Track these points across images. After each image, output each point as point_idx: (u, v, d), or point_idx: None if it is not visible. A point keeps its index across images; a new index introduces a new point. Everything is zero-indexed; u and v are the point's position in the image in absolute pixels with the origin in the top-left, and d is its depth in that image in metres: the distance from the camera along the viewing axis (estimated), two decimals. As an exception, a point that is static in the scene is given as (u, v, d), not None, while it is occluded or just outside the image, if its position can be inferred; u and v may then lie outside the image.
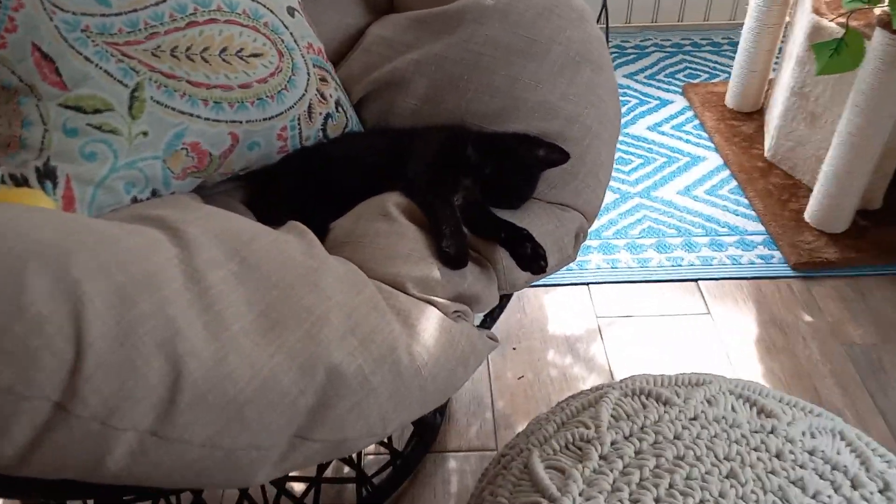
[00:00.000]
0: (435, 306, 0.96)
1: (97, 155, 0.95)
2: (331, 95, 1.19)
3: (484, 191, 1.07)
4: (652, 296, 1.85)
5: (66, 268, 0.71)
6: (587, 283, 1.89)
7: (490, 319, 1.15)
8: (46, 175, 0.92)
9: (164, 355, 0.73)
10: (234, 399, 0.75)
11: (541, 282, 1.86)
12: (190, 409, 0.73)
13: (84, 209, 0.94)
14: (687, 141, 2.33)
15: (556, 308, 1.82)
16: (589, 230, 1.19)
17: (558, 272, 1.86)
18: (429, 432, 1.49)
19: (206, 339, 0.76)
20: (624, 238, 1.98)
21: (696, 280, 1.89)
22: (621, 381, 1.02)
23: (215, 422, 0.74)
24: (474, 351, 0.97)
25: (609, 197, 2.12)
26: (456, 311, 0.98)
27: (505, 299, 1.15)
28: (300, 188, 1.13)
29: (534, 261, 0.99)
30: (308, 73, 1.15)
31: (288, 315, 0.82)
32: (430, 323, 0.92)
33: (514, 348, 1.72)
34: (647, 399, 0.97)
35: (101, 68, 0.94)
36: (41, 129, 0.93)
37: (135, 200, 0.99)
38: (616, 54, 2.79)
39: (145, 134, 0.98)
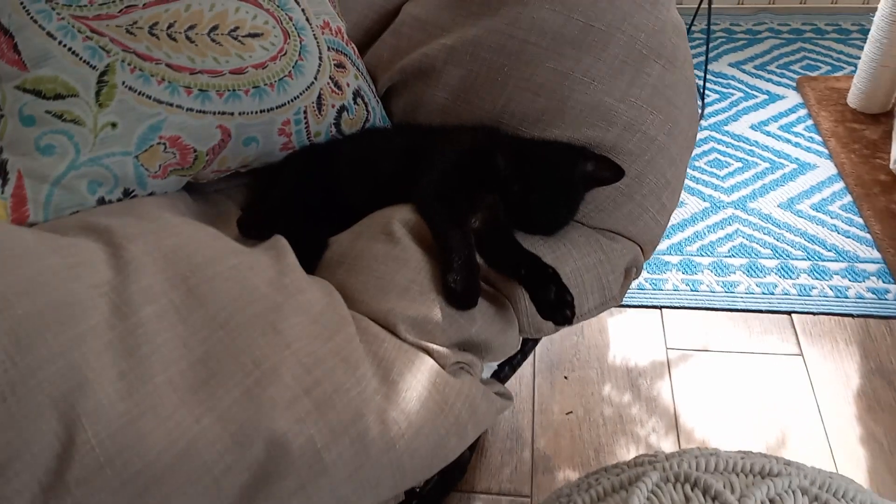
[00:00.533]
0: (430, 355, 0.78)
1: (55, 148, 0.82)
2: (348, 85, 1.02)
3: (511, 211, 0.88)
4: (735, 328, 1.59)
5: (-54, 298, 0.58)
6: (660, 307, 1.65)
7: (509, 368, 0.96)
8: (-3, 168, 0.81)
9: (58, 415, 0.59)
10: (140, 473, 0.60)
11: (605, 300, 1.65)
12: (81, 485, 0.59)
13: (38, 211, 0.82)
14: (796, 144, 2.03)
15: (620, 333, 1.60)
16: (643, 264, 0.97)
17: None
18: (455, 469, 1.32)
19: (117, 394, 0.61)
20: (709, 255, 1.73)
21: (789, 313, 1.62)
22: (667, 456, 0.82)
23: (110, 501, 0.60)
24: (474, 416, 0.79)
25: (696, 205, 1.86)
26: (458, 363, 0.80)
27: (530, 344, 0.96)
28: (303, 192, 0.97)
29: (557, 309, 0.79)
30: (320, 58, 0.99)
31: (230, 365, 0.67)
32: (418, 378, 0.75)
33: (565, 377, 1.52)
34: (691, 490, 0.76)
35: (65, 46, 0.82)
36: (-6, 116, 0.81)
37: (102, 202, 0.86)
38: (723, 39, 2.49)
39: (114, 125, 0.84)
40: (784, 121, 2.12)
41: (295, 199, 0.97)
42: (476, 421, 0.79)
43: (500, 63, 0.98)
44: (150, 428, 0.61)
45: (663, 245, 1.76)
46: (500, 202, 0.88)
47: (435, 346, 0.79)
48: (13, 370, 0.58)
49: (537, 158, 0.90)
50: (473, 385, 0.81)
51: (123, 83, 0.84)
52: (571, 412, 1.46)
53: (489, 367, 0.90)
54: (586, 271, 0.88)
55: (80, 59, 0.82)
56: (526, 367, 1.55)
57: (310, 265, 0.88)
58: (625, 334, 1.60)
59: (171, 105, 0.87)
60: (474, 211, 0.87)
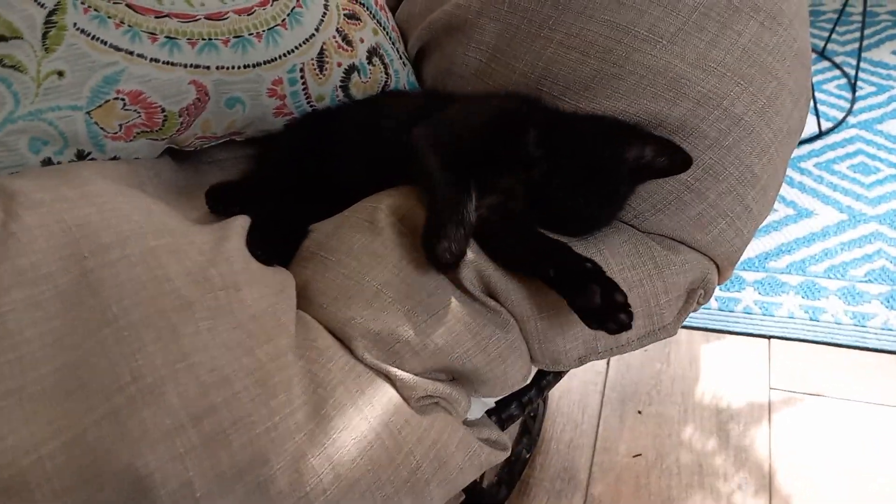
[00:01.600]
0: (391, 383, 0.60)
1: (-9, 97, 0.71)
2: (362, 41, 0.85)
3: (534, 203, 0.68)
4: (862, 370, 1.29)
5: None
6: (769, 336, 1.37)
7: (516, 406, 0.75)
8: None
9: None
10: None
11: (701, 321, 1.38)
12: None
13: (-31, 169, 0.71)
14: (972, 148, 1.65)
15: (714, 363, 1.34)
16: (718, 286, 0.74)
17: (733, 310, 1.39)
18: (486, 506, 1.13)
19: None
20: (839, 279, 1.42)
21: (938, 358, 1.29)
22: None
23: None
24: (441, 470, 0.59)
25: (830, 216, 1.55)
26: (430, 396, 0.61)
27: (549, 378, 0.75)
28: (294, 166, 0.82)
29: (607, 315, 0.58)
30: (326, 6, 0.82)
31: (103, 376, 0.52)
32: (365, 414, 0.57)
33: (639, 412, 1.29)
34: None
35: (10, -22, 0.70)
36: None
37: (49, 163, 0.74)
38: (889, 23, 2.10)
39: (61, 74, 0.72)
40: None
41: (281, 174, 0.81)
42: (443, 478, 0.60)
43: (544, 14, 0.77)
44: (-24, 449, 0.48)
45: (781, 262, 1.47)
46: (522, 189, 0.68)
47: (399, 373, 0.60)
48: None
49: (574, 136, 0.69)
50: (448, 428, 0.61)
51: (75, 25, 0.72)
52: (640, 455, 1.22)
53: (483, 404, 0.71)
54: (627, 288, 0.66)
55: (29, -7, 0.70)
56: (593, 394, 1.33)
57: (286, 254, 0.73)
58: (720, 366, 1.34)
59: (132, 53, 0.74)
60: (482, 195, 0.67)
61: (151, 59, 0.74)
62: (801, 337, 1.35)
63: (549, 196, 0.66)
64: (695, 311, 0.72)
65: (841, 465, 1.15)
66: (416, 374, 0.61)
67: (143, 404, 0.51)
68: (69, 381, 0.52)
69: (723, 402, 1.28)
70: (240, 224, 0.69)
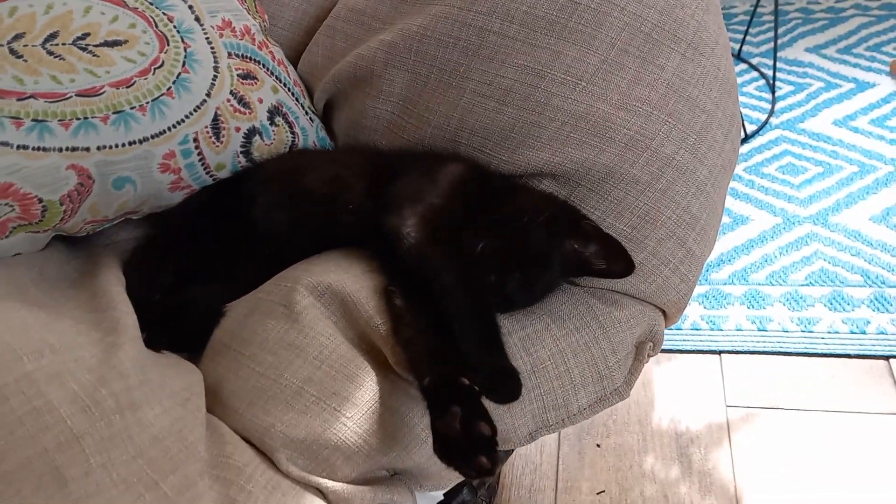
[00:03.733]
0: (322, 497, 0.54)
1: None
2: (260, 101, 0.79)
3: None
4: (816, 378, 1.29)
5: None
6: (719, 352, 1.36)
7: (467, 491, 0.70)
8: None
9: None
10: None
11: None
12: None
13: None
14: (892, 142, 1.69)
15: (668, 386, 1.32)
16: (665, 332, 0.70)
17: (680, 328, 1.37)
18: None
19: None
20: (782, 284, 1.42)
21: (887, 357, 1.30)
22: None
23: None
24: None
25: (765, 220, 1.56)
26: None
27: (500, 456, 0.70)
28: (201, 235, 0.75)
29: (460, 451, 0.51)
30: (216, 68, 0.76)
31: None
32: (296, 543, 0.51)
33: (598, 445, 1.25)
34: None
35: None
36: None
37: (-90, 271, 0.66)
38: (798, 21, 2.16)
39: (-87, 173, 0.64)
40: (876, 113, 1.78)
41: (186, 247, 0.74)
42: None
43: (454, 62, 0.73)
44: None
45: (723, 273, 1.46)
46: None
47: (330, 484, 0.54)
48: None
49: (513, 230, 0.63)
50: (390, 540, 0.56)
51: (-76, 116, 0.64)
52: (603, 491, 1.19)
53: (430, 498, 0.65)
54: (573, 355, 0.62)
55: None
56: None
57: (197, 341, 0.66)
58: (674, 388, 1.32)
59: (-4, 142, 0.66)
60: None
61: (18, 147, 0.67)
62: (751, 349, 1.34)
63: (481, 270, 0.61)
64: (645, 363, 0.68)
65: (806, 478, 1.14)
66: (350, 483, 0.55)
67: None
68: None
69: (681, 425, 1.26)
70: (126, 325, 0.62)
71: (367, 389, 0.58)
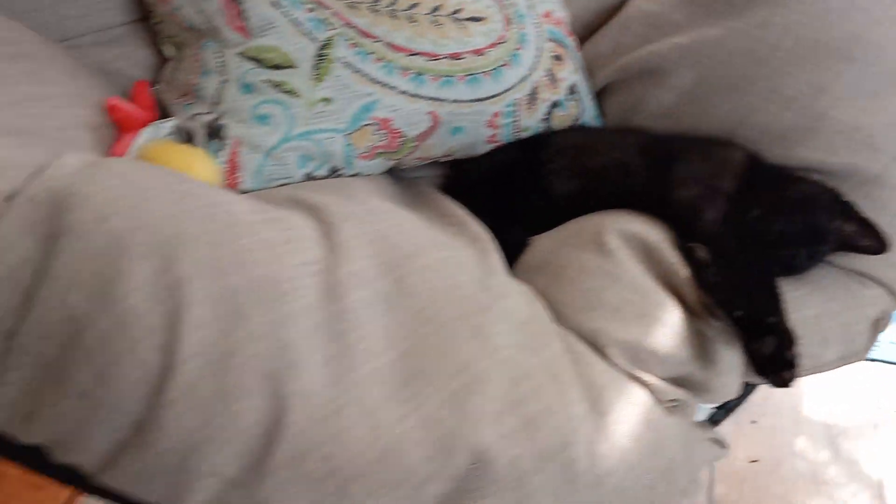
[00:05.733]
0: (644, 388, 0.73)
1: (270, 118, 0.84)
2: (563, 79, 0.99)
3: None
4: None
5: (174, 258, 0.59)
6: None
7: (723, 412, 0.88)
8: (214, 134, 0.84)
9: (268, 394, 0.59)
10: (339, 469, 0.59)
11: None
12: (277, 473, 0.58)
13: (248, 179, 0.84)
14: None
15: (824, 380, 1.47)
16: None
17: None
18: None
19: (324, 380, 0.61)
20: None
21: None
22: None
23: (306, 495, 0.59)
24: (688, 462, 0.73)
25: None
26: (673, 401, 0.74)
27: (748, 388, 0.88)
28: (507, 183, 0.95)
29: (771, 366, 0.71)
30: (538, 49, 0.96)
31: (435, 365, 0.65)
32: (630, 412, 0.70)
33: (753, 422, 1.42)
34: None
35: (289, 16, 0.83)
36: (217, 80, 0.85)
37: (309, 177, 0.88)
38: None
39: (327, 101, 0.85)
40: None
41: (497, 190, 0.94)
42: (689, 468, 0.73)
43: (744, 68, 0.91)
44: (353, 421, 0.60)
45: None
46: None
47: (650, 378, 0.73)
48: (223, 342, 0.59)
49: (789, 201, 0.82)
50: (688, 427, 0.75)
51: (341, 59, 0.85)
52: (758, 460, 1.36)
53: (701, 410, 0.84)
54: (829, 318, 0.80)
55: (302, 30, 0.84)
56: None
57: (507, 264, 0.86)
58: (831, 381, 1.48)
59: (386, 86, 0.87)
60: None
61: (401, 92, 0.88)
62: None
63: (773, 245, 0.79)
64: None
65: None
66: (662, 380, 0.74)
67: (473, 391, 0.64)
68: (406, 368, 0.65)
69: (832, 417, 1.43)
70: (488, 239, 0.82)
71: (674, 315, 0.77)
